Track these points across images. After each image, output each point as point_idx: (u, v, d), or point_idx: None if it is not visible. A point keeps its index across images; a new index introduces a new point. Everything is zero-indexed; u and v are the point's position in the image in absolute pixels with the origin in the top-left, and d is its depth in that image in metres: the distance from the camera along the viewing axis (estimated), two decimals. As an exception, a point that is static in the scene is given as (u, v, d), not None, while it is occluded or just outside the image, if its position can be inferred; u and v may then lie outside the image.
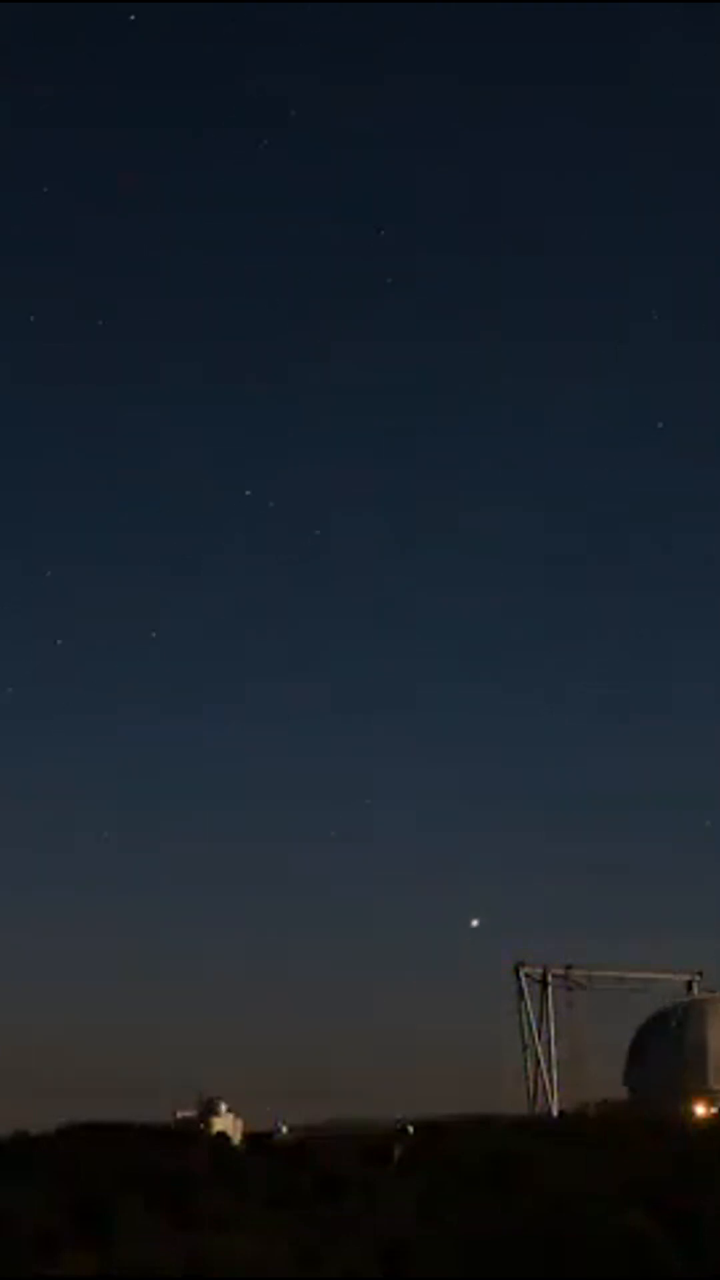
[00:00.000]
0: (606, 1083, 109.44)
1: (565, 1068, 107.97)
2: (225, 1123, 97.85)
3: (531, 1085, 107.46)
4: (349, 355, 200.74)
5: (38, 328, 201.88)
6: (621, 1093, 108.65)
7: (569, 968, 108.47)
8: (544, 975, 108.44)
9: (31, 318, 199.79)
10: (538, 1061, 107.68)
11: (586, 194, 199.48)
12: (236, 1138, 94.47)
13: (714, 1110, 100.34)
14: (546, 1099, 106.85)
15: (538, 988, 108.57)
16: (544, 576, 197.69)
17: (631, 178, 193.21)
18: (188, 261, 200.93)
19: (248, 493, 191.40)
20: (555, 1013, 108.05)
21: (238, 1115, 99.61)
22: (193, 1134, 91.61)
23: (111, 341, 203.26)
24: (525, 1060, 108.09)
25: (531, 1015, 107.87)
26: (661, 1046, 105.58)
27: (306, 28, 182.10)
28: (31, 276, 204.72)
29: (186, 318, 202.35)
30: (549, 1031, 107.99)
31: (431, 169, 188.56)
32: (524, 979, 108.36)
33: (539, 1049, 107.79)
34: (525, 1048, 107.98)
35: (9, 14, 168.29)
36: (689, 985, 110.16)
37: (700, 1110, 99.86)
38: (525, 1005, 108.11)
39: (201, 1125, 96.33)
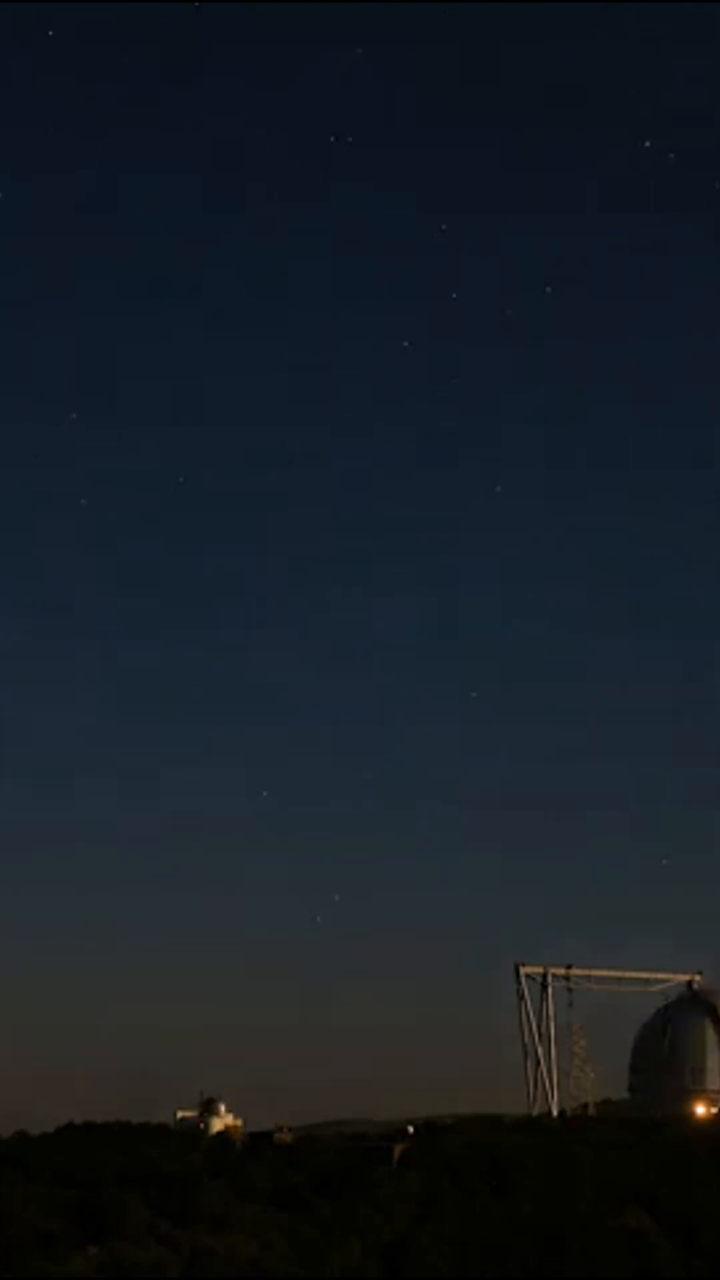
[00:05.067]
0: (606, 1082, 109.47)
1: (565, 1068, 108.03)
2: (225, 1123, 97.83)
3: (531, 1085, 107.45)
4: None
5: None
6: (622, 1093, 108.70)
7: (569, 968, 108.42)
8: (544, 975, 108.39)
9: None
10: (538, 1062, 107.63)
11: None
12: (236, 1138, 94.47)
13: (713, 1110, 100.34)
14: (547, 1099, 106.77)
15: (538, 988, 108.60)
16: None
17: None
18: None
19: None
20: (555, 1013, 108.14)
21: (238, 1115, 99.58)
22: (193, 1134, 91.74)
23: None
24: (525, 1061, 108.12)
25: (531, 1016, 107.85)
26: (661, 1047, 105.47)
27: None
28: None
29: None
30: (549, 1032, 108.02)
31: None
32: (524, 979, 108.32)
33: (539, 1049, 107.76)
34: (525, 1048, 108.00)
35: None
36: (689, 985, 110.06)
37: (700, 1110, 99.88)
38: (525, 1006, 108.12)
39: (201, 1125, 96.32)
